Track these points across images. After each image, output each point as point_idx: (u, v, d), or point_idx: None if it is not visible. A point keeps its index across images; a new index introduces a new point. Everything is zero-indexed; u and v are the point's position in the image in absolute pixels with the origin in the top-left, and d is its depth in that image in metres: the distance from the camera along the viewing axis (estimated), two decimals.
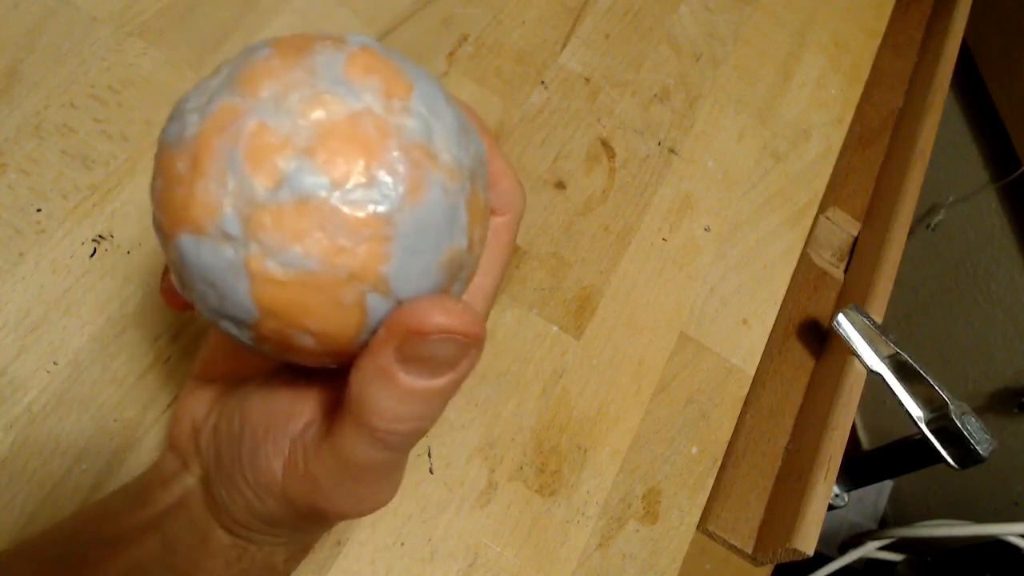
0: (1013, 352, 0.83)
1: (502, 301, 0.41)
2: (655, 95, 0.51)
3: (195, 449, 0.25)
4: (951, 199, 0.89)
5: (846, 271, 0.53)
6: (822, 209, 0.53)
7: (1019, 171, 0.78)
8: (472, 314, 0.18)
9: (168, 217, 0.18)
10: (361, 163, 0.17)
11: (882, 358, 0.44)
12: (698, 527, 0.41)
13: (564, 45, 0.50)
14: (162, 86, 0.40)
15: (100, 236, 0.36)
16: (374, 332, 0.18)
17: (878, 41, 0.61)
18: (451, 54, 0.47)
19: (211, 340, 0.26)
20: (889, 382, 0.44)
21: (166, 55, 0.41)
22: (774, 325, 0.47)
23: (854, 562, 0.75)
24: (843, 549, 0.78)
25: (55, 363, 0.33)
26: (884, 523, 1.03)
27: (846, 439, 0.41)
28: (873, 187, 0.56)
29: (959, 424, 0.42)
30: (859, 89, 0.58)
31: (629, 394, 0.42)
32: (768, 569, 0.42)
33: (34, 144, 0.37)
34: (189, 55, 0.42)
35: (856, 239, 0.54)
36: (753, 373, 0.45)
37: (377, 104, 0.18)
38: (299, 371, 0.23)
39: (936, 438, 0.44)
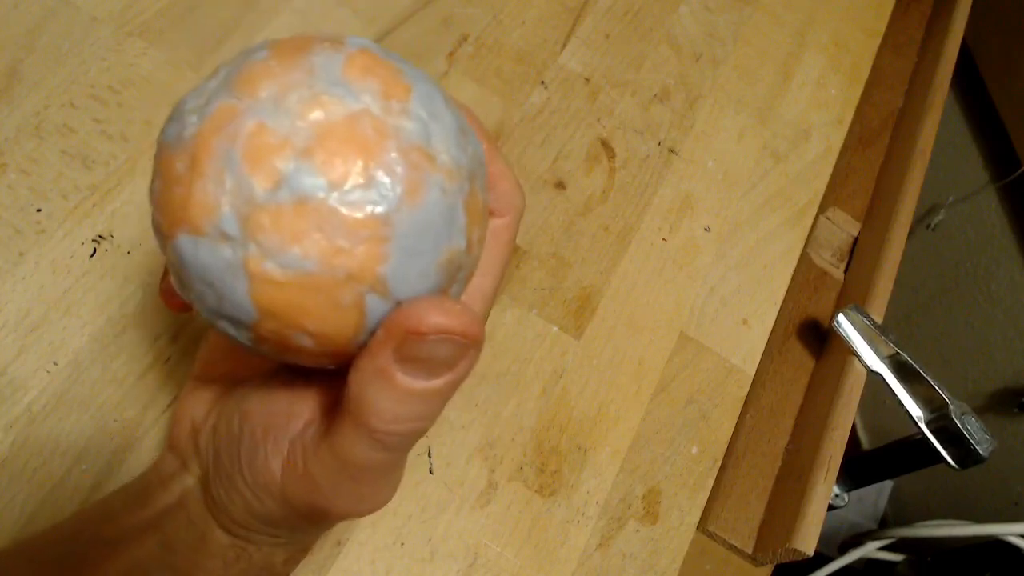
0: (1013, 352, 0.83)
1: (502, 301, 0.41)
2: (655, 95, 0.51)
3: (194, 449, 0.25)
4: (951, 199, 0.89)
5: (846, 271, 0.53)
6: (822, 209, 0.53)
7: (1019, 171, 0.78)
8: (470, 315, 0.18)
9: (166, 217, 0.18)
10: (359, 164, 0.17)
11: (882, 358, 0.44)
12: (698, 527, 0.41)
13: (564, 45, 0.50)
14: (162, 86, 0.40)
15: (100, 236, 0.36)
16: (373, 333, 0.18)
17: (878, 41, 0.61)
18: (451, 54, 0.47)
19: (210, 341, 0.26)
20: (889, 382, 0.44)
21: (166, 55, 0.41)
22: (774, 325, 0.47)
23: (854, 562, 0.75)
24: (843, 549, 0.78)
25: (55, 363, 0.33)
26: (884, 523, 1.03)
27: (846, 439, 0.41)
28: (873, 187, 0.56)
29: (959, 424, 0.42)
30: (859, 89, 0.58)
31: (629, 394, 0.42)
32: (768, 569, 0.42)
33: (34, 144, 0.37)
34: (189, 55, 0.42)
35: (856, 239, 0.54)
36: (753, 373, 0.45)
37: (375, 105, 0.18)
38: (298, 372, 0.23)
39: (936, 438, 0.44)
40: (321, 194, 0.17)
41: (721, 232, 0.48)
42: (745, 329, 0.46)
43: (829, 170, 0.54)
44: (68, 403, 0.33)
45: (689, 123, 0.51)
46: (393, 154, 0.17)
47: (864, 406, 0.84)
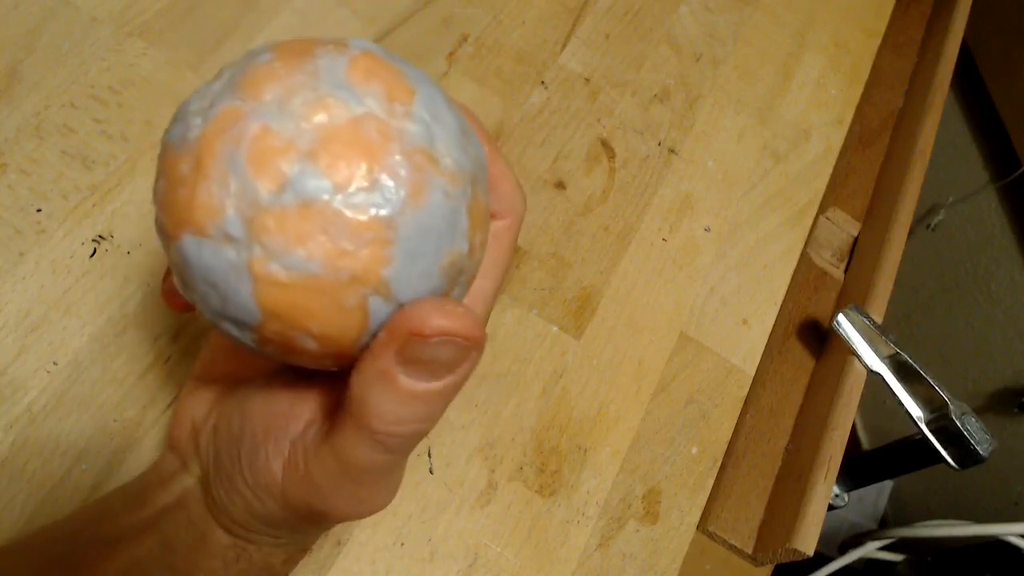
0: (1013, 352, 0.83)
1: (502, 301, 0.41)
2: (655, 95, 0.51)
3: (194, 449, 0.25)
4: (951, 199, 0.90)
5: (846, 271, 0.53)
6: (822, 209, 0.53)
7: (1019, 171, 0.78)
8: (472, 317, 0.18)
9: (171, 218, 0.18)
10: (363, 167, 0.17)
11: (882, 358, 0.44)
12: (698, 527, 0.41)
13: (564, 45, 0.50)
14: (162, 86, 0.40)
15: (100, 236, 0.36)
16: (375, 335, 0.19)
17: (878, 41, 0.61)
18: (451, 54, 0.47)
19: (211, 341, 0.26)
20: (889, 382, 0.44)
21: (166, 55, 0.41)
22: (774, 325, 0.47)
23: (854, 562, 0.75)
24: (843, 549, 0.78)
25: (55, 363, 0.33)
26: (884, 523, 1.03)
27: (846, 439, 0.41)
28: (873, 187, 0.56)
29: (959, 424, 0.42)
30: (859, 89, 0.58)
31: (629, 394, 0.42)
32: (768, 569, 0.42)
33: (34, 144, 0.37)
34: (189, 55, 0.42)
35: (856, 239, 0.54)
36: (753, 373, 0.45)
37: (379, 108, 0.18)
38: (299, 373, 0.23)
39: (936, 438, 0.44)
40: (325, 197, 0.17)
41: (721, 232, 0.48)
42: (745, 329, 0.46)
43: (829, 170, 0.54)
44: (68, 403, 0.33)
45: (689, 123, 0.51)
46: (397, 157, 0.17)
47: (864, 406, 0.84)
